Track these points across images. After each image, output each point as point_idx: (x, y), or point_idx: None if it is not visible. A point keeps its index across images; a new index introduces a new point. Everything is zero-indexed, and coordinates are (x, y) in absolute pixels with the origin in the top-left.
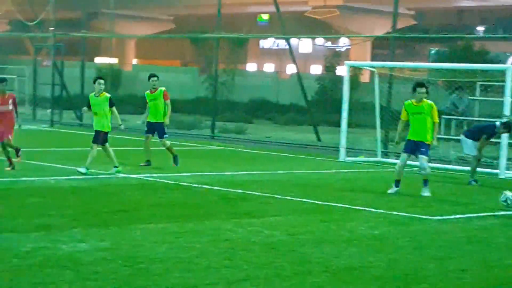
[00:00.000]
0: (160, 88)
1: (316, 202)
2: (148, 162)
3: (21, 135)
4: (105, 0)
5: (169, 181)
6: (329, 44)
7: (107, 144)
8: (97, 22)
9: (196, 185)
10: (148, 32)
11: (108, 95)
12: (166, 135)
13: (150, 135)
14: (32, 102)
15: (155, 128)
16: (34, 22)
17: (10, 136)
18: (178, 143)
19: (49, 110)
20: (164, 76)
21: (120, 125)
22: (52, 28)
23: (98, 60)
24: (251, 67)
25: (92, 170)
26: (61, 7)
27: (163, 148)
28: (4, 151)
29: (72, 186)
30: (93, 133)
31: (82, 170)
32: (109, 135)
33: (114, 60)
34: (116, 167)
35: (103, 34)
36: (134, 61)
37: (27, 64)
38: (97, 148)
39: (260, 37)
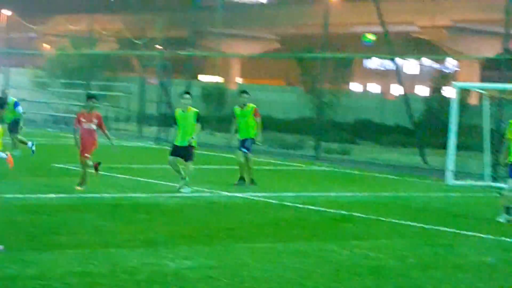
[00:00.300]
0: (250, 105)
1: (423, 225)
2: (241, 180)
3: (126, 151)
4: (212, 19)
5: (274, 201)
6: (436, 65)
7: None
8: (203, 40)
9: (300, 205)
10: (254, 51)
11: (196, 110)
12: (248, 151)
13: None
14: (138, 119)
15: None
16: (142, 41)
17: (87, 155)
18: (282, 162)
19: (155, 128)
20: (269, 96)
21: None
22: (159, 46)
23: (203, 78)
24: (355, 87)
25: (198, 188)
26: (168, 26)
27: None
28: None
29: (178, 203)
30: (184, 150)
31: (186, 190)
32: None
33: (219, 79)
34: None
35: (210, 53)
36: (239, 80)
37: (134, 81)
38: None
39: (366, 57)
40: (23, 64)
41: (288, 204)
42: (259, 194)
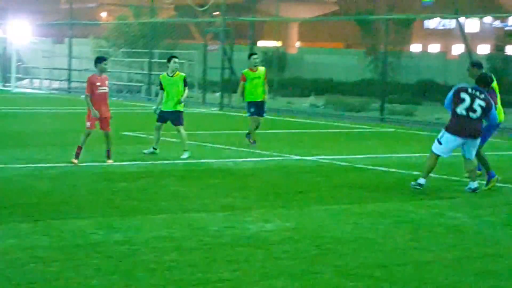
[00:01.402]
0: (262, 68)
1: (497, 184)
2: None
3: (191, 118)
4: None
5: (344, 163)
6: (497, 23)
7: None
8: (261, 5)
9: (371, 167)
10: (312, 14)
11: (183, 74)
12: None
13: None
14: (202, 86)
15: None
16: (204, 8)
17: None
18: (346, 125)
19: (218, 94)
20: (328, 58)
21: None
22: (217, 13)
23: (262, 43)
24: (415, 48)
25: (267, 153)
26: None
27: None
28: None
29: (250, 168)
30: (172, 115)
31: (185, 155)
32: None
33: (278, 43)
34: (186, 150)
35: (269, 18)
36: (298, 44)
37: (196, 48)
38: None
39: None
40: (85, 35)
41: (359, 166)
42: (328, 157)
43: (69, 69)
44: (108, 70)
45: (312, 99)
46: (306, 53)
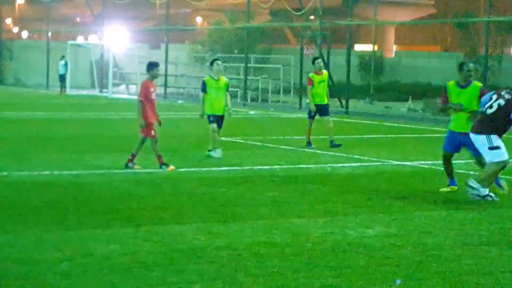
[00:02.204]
0: (325, 71)
1: None
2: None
3: (287, 123)
4: None
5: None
6: None
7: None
8: (357, 9)
9: (472, 172)
10: (409, 18)
11: (226, 79)
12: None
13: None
14: (298, 91)
15: (324, 109)
16: (301, 12)
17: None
18: (444, 129)
19: None
20: (426, 62)
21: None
22: (312, 17)
23: (358, 47)
24: None
25: (365, 158)
26: None
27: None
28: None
29: (349, 173)
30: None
31: (217, 154)
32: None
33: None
34: (210, 150)
35: (366, 21)
36: (394, 48)
37: (290, 53)
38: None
39: None
40: (181, 40)
41: (460, 171)
42: (428, 162)
43: (166, 75)
44: (202, 76)
45: (410, 104)
46: (403, 56)
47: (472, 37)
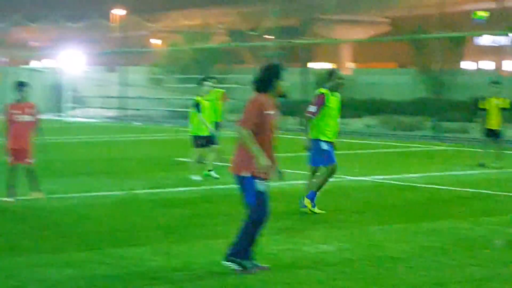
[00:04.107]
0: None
1: None
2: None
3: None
4: (322, 6)
5: (399, 182)
6: None
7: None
8: (313, 27)
9: (426, 185)
10: (364, 36)
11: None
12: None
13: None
14: None
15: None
16: (255, 32)
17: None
18: (400, 144)
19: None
20: (381, 79)
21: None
22: (268, 36)
23: (313, 65)
24: (468, 65)
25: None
26: (280, 15)
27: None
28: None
29: (300, 190)
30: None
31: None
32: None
33: (331, 65)
34: (210, 170)
35: (322, 40)
36: (351, 65)
37: (248, 73)
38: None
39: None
40: (137, 62)
41: (414, 185)
42: (383, 177)
43: (123, 97)
44: (161, 97)
45: (366, 120)
46: (359, 74)
47: (426, 53)
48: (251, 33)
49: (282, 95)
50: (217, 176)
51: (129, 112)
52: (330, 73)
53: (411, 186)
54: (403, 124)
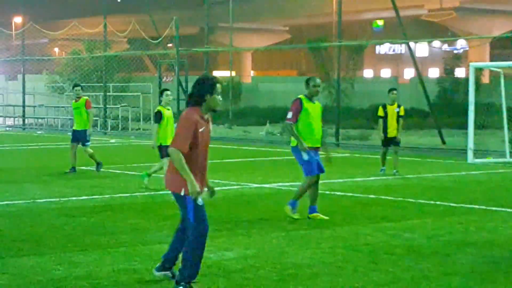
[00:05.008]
0: (83, 97)
1: (451, 204)
2: (73, 169)
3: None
4: (223, 15)
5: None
6: (445, 47)
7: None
8: (214, 36)
9: (328, 192)
10: (265, 44)
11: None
12: (88, 143)
13: (75, 143)
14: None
15: (79, 136)
16: (158, 40)
17: None
18: None
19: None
20: (282, 86)
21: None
22: (170, 45)
23: (217, 73)
24: (367, 73)
25: (226, 182)
26: (180, 24)
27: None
28: None
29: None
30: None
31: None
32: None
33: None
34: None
35: (223, 48)
36: (251, 73)
37: (149, 81)
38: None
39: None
40: (38, 71)
41: None
42: (287, 184)
43: (23, 106)
44: (63, 105)
45: (268, 127)
46: (260, 81)
47: (325, 61)
48: (152, 41)
49: (214, 110)
50: (147, 183)
51: (31, 121)
52: (307, 81)
53: None
54: None
